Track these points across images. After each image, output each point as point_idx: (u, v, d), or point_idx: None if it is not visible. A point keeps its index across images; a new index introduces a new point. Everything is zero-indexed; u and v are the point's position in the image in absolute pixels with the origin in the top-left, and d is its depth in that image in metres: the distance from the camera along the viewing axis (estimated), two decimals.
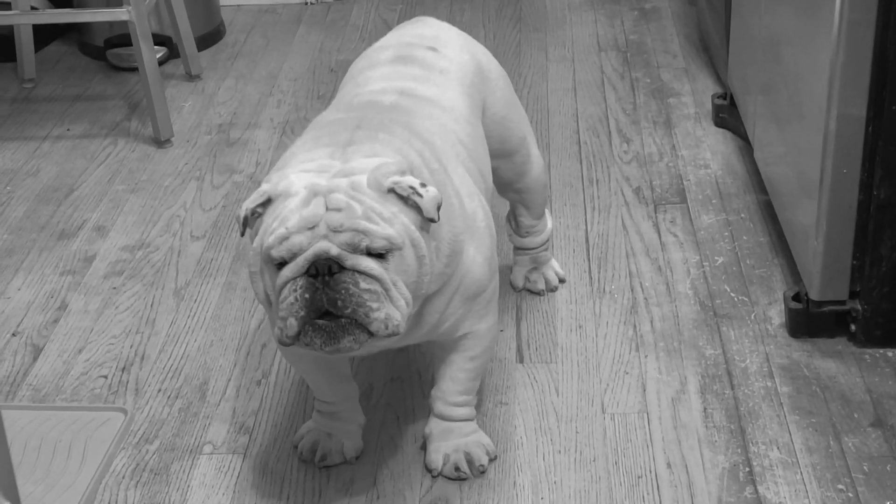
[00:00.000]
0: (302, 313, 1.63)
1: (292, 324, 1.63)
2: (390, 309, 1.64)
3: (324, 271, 1.62)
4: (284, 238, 1.63)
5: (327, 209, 1.64)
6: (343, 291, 1.62)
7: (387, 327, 1.64)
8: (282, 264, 1.65)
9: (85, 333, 2.38)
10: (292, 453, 2.03)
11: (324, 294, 1.62)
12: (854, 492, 1.90)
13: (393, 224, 1.65)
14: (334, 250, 1.62)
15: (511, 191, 2.30)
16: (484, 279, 1.84)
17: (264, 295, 1.71)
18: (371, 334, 1.65)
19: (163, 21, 3.57)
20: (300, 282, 1.62)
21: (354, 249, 1.62)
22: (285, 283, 1.64)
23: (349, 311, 1.62)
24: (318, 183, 1.67)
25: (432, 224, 1.71)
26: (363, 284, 1.62)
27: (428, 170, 1.78)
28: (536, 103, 3.21)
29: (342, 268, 1.62)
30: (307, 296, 1.62)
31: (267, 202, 1.70)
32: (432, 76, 2.02)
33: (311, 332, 1.63)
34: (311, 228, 1.63)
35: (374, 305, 1.63)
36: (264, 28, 3.82)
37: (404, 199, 1.67)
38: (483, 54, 2.18)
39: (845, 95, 2.05)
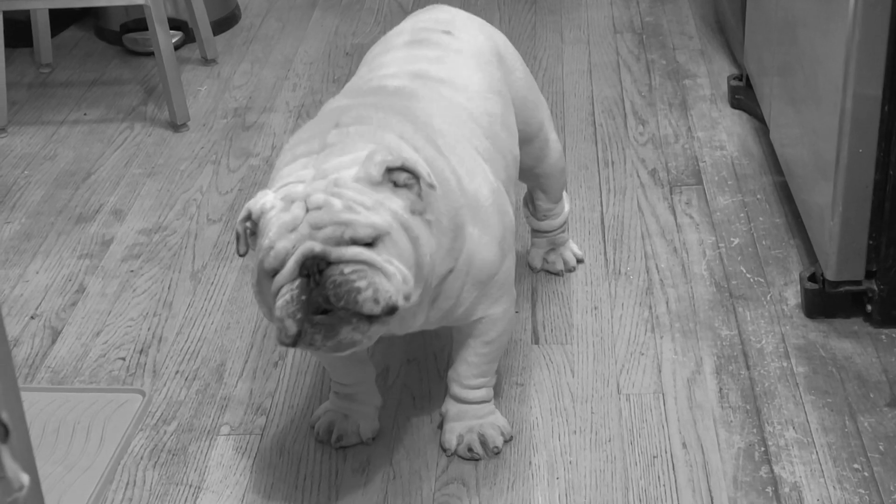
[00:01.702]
0: (299, 315, 1.61)
1: (290, 325, 1.62)
2: (380, 281, 1.60)
3: (314, 270, 1.61)
4: (270, 248, 1.63)
5: (308, 210, 1.64)
6: (331, 286, 1.60)
7: (377, 301, 1.60)
8: (276, 273, 1.64)
9: (103, 316, 2.39)
10: (309, 434, 2.04)
11: (318, 293, 1.60)
12: (870, 471, 1.90)
13: (377, 211, 1.63)
14: (318, 247, 1.61)
15: (529, 175, 2.29)
16: (494, 260, 1.83)
17: (266, 309, 1.70)
18: (368, 318, 1.62)
19: (178, 5, 3.58)
20: (295, 284, 1.62)
21: (338, 242, 1.61)
22: (280, 289, 1.63)
23: (342, 302, 1.60)
24: (296, 190, 1.67)
25: (430, 197, 1.71)
26: (347, 269, 1.60)
27: (412, 147, 1.76)
28: (552, 86, 3.20)
29: (330, 263, 1.61)
30: (303, 297, 1.61)
31: (248, 217, 1.70)
32: (447, 56, 2.02)
33: (309, 329, 1.62)
34: (293, 231, 1.63)
35: (361, 284, 1.59)
36: (279, 12, 3.82)
37: (394, 184, 1.66)
38: (500, 39, 2.18)
39: (861, 75, 2.05)
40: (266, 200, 1.69)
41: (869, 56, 2.03)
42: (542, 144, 2.25)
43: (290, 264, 1.61)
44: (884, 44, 2.02)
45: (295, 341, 1.63)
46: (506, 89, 2.10)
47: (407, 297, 1.64)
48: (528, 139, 2.21)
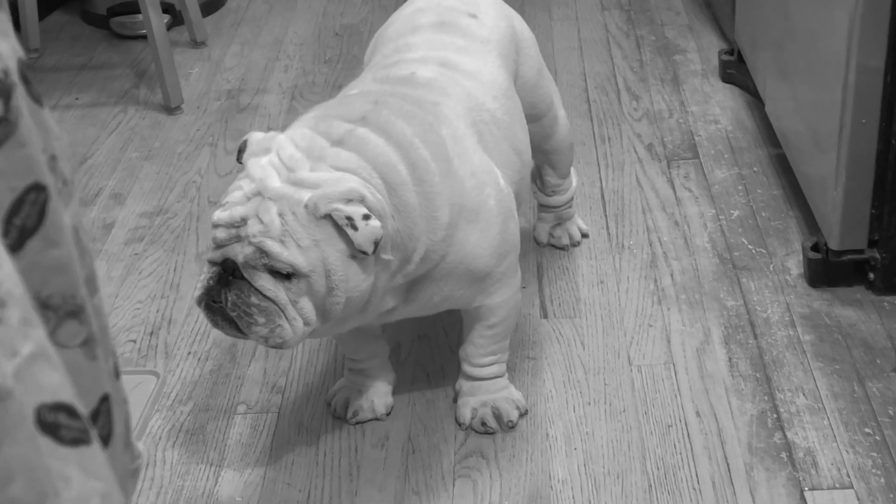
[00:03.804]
0: (201, 292, 1.70)
1: (199, 295, 1.70)
2: (281, 325, 1.67)
3: (230, 271, 1.68)
4: (215, 225, 1.69)
5: (257, 214, 1.66)
6: (235, 297, 1.67)
7: (267, 341, 1.69)
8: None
9: (110, 299, 2.39)
10: (326, 411, 2.06)
11: (224, 291, 1.68)
12: (881, 434, 1.94)
13: (307, 252, 1.65)
14: (240, 258, 1.67)
15: (538, 152, 2.31)
16: (490, 262, 1.86)
17: None
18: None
19: None
20: (214, 268, 1.70)
21: (256, 266, 1.66)
22: (206, 261, 1.72)
23: (234, 314, 1.68)
24: (268, 186, 1.67)
25: (434, 193, 1.74)
26: (253, 298, 1.67)
27: (413, 179, 1.74)
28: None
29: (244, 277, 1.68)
30: (211, 283, 1.69)
31: (241, 150, 1.75)
32: (474, 47, 2.02)
33: (205, 309, 1.71)
34: (235, 227, 1.67)
35: (260, 320, 1.67)
36: None
37: (339, 227, 1.66)
38: (518, 20, 2.19)
39: (864, 46, 2.08)
40: (254, 164, 1.70)
41: (872, 27, 2.06)
42: (550, 122, 2.26)
43: (217, 253, 1.69)
44: (887, 14, 2.05)
45: (199, 306, 1.73)
46: (520, 76, 2.12)
47: (306, 335, 1.71)
48: (537, 118, 2.22)
